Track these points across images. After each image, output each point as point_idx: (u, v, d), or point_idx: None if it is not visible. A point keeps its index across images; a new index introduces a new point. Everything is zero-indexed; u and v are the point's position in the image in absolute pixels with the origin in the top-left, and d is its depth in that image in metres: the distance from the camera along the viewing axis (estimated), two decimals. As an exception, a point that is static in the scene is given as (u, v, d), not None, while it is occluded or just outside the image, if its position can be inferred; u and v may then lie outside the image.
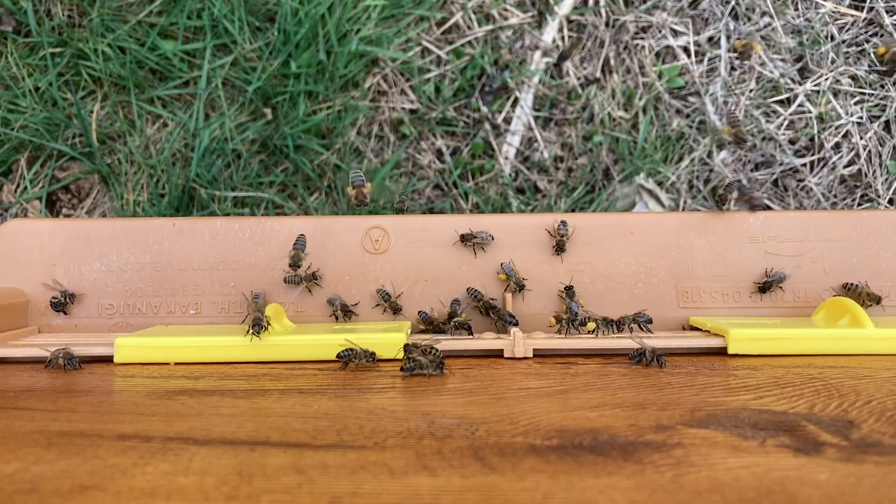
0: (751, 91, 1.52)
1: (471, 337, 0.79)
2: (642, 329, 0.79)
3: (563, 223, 0.85)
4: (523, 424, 0.52)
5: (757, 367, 0.70)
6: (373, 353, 0.71)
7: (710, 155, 1.50)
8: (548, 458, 0.45)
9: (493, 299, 0.84)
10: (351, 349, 0.71)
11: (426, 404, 0.59)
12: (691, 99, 1.53)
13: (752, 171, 1.49)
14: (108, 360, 0.75)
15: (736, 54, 0.82)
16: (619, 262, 0.86)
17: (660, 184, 1.49)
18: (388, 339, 0.73)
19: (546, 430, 0.50)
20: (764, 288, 0.84)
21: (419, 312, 0.83)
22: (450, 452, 0.46)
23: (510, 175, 1.50)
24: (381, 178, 1.44)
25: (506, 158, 1.51)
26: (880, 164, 1.49)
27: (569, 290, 0.84)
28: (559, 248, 0.85)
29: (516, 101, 1.53)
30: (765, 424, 0.51)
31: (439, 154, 1.51)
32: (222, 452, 0.47)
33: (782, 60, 1.53)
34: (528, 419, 0.53)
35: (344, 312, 0.84)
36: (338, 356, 0.71)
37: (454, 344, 0.76)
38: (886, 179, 1.48)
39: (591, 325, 0.79)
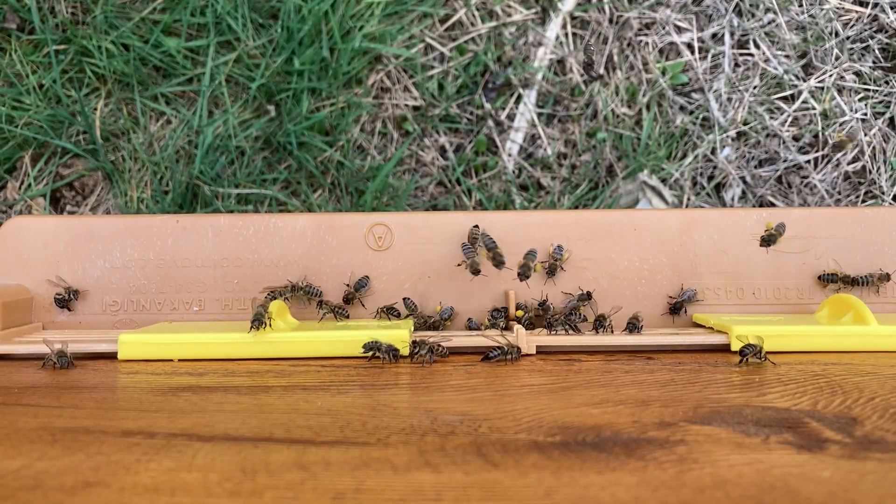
0: (755, 87, 1.52)
1: (475, 333, 0.79)
2: (637, 330, 0.79)
3: (560, 248, 0.85)
4: (526, 421, 0.52)
5: (760, 365, 0.70)
6: (396, 350, 0.71)
7: (713, 152, 1.49)
8: (550, 455, 0.45)
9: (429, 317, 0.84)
10: (376, 342, 0.72)
11: (429, 401, 0.59)
12: (695, 95, 1.53)
13: (755, 167, 1.49)
14: (112, 356, 0.75)
15: (833, 144, 0.83)
16: (623, 258, 0.86)
17: (663, 181, 1.48)
18: (392, 336, 0.73)
19: (549, 426, 0.51)
20: (675, 309, 0.84)
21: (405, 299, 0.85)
22: (452, 449, 0.46)
23: (513, 172, 1.50)
24: (384, 175, 1.44)
25: (509, 155, 1.51)
26: (884, 161, 1.48)
27: (582, 296, 0.83)
28: (551, 272, 0.85)
29: (519, 97, 1.53)
30: (768, 421, 0.51)
31: (442, 151, 1.51)
32: (226, 449, 0.47)
33: (786, 57, 1.52)
34: (531, 416, 0.53)
35: (336, 313, 0.84)
36: (364, 346, 0.72)
37: (457, 340, 0.76)
38: (891, 176, 1.48)
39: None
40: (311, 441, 0.48)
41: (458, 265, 0.85)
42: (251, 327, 0.73)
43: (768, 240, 0.82)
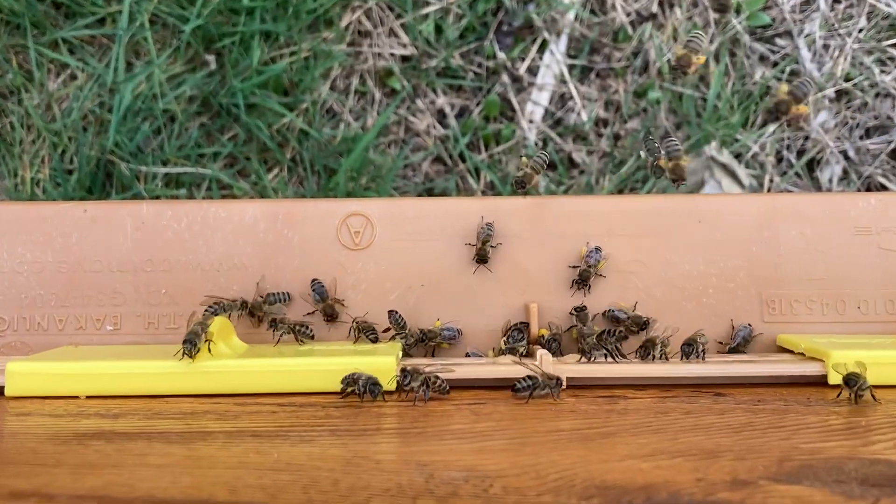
0: (860, 31, 1.52)
1: (483, 361, 0.80)
2: (696, 356, 0.79)
3: (597, 250, 0.85)
4: (553, 479, 0.52)
5: (868, 402, 0.70)
6: (377, 384, 0.71)
7: (805, 117, 1.49)
8: (586, 524, 0.45)
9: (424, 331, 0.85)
10: (356, 374, 0.71)
11: (423, 452, 0.59)
12: (780, 41, 1.53)
13: (861, 138, 1.49)
14: (-3, 392, 0.75)
15: (674, 67, 0.85)
16: (683, 260, 0.86)
17: (737, 156, 1.48)
18: (374, 364, 0.73)
19: (583, 486, 0.50)
20: (734, 349, 0.84)
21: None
22: (455, 516, 0.46)
23: (536, 143, 1.50)
24: (362, 149, 1.45)
25: (530, 122, 1.51)
26: None
27: (638, 321, 0.83)
28: (582, 282, 0.85)
29: (544, 44, 1.53)
30: (878, 479, 0.51)
31: (441, 116, 1.52)
32: (150, 516, 0.47)
33: (903, -11, 1.53)
34: (560, 472, 0.53)
35: (297, 333, 0.84)
36: (343, 380, 0.72)
37: (462, 371, 0.76)
38: None
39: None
40: (264, 506, 0.49)
41: (467, 244, 0.87)
42: (181, 352, 0.73)
43: (778, 107, 0.81)
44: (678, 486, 0.50)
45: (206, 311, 0.82)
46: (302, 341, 0.84)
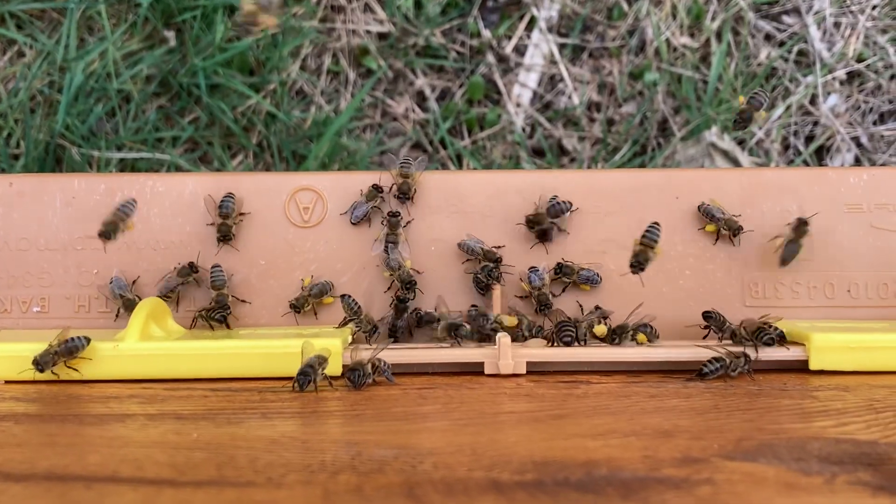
0: (874, 8, 1.52)
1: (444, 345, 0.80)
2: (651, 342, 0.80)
3: (533, 270, 0.85)
4: (490, 456, 0.52)
5: (849, 388, 0.70)
6: (303, 373, 0.70)
7: (813, 101, 1.50)
8: (513, 497, 0.45)
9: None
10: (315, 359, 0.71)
11: (355, 432, 0.60)
12: (787, 19, 1.53)
13: (874, 123, 1.49)
14: None
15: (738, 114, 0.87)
16: (660, 240, 0.86)
17: (740, 142, 1.48)
18: (318, 346, 0.73)
19: (520, 462, 0.51)
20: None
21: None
22: (373, 490, 0.46)
23: (524, 129, 1.50)
24: (334, 133, 1.45)
25: (517, 105, 1.52)
26: None
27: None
28: (544, 307, 0.85)
29: (533, 21, 1.53)
30: (840, 457, 0.51)
31: (421, 98, 1.52)
32: (44, 491, 0.48)
33: (921, -37, 1.53)
34: (499, 449, 0.54)
35: (213, 316, 0.83)
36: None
37: (413, 355, 0.76)
38: None
39: (601, 330, 0.79)
40: (169, 482, 0.49)
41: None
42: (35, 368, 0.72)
43: (743, 118, 0.83)
44: (622, 462, 0.51)
45: (180, 270, 0.84)
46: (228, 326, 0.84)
